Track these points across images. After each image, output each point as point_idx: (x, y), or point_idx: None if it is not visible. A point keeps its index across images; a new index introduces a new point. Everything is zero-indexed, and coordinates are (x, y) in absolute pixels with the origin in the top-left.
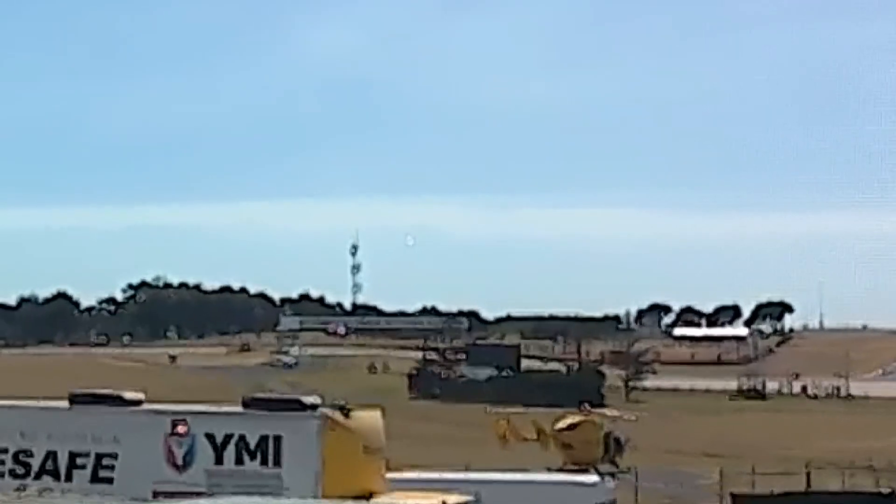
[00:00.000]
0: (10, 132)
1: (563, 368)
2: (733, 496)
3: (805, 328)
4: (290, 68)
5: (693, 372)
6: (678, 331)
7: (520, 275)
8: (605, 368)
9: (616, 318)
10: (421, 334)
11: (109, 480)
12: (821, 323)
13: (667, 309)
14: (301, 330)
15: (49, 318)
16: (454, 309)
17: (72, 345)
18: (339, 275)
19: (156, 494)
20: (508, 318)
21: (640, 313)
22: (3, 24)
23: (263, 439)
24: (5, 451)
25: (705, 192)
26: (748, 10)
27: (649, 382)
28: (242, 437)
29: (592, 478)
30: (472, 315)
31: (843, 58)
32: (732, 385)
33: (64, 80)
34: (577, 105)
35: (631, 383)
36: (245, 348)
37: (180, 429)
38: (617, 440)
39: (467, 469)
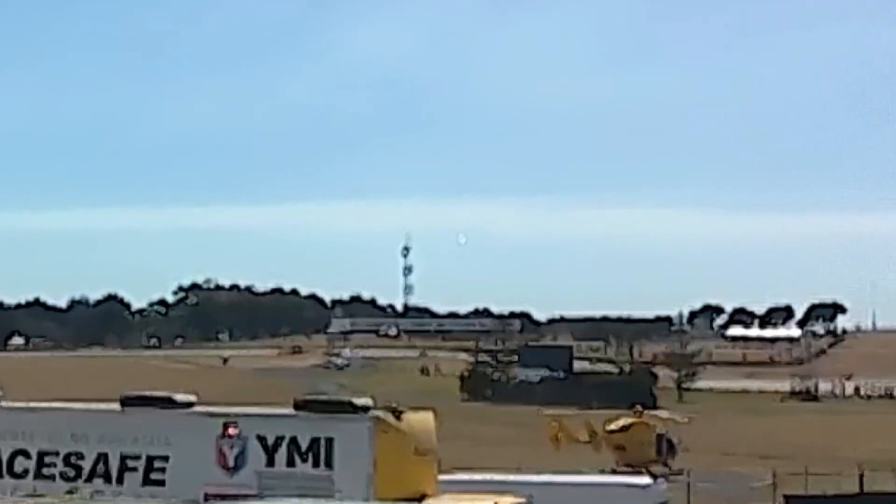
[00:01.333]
0: (62, 134)
1: (616, 370)
2: (786, 498)
3: (858, 329)
4: (341, 69)
5: (745, 373)
6: (731, 332)
7: (572, 276)
8: (657, 370)
9: (668, 319)
10: (473, 336)
11: (161, 483)
12: (873, 323)
13: (719, 310)
14: (352, 332)
15: (100, 321)
16: (506, 310)
17: (123, 347)
18: (390, 276)
19: (207, 497)
20: (561, 320)
21: (693, 314)
22: (57, 27)
23: (315, 441)
24: (56, 453)
25: (758, 192)
26: (798, 11)
27: (702, 383)
28: (294, 440)
29: (645, 479)
30: (525, 316)
31: (892, 57)
32: (785, 386)
33: (114, 81)
34: (628, 104)
35: (683, 384)
36: (296, 350)
37: (231, 431)
38: (669, 441)
39: (519, 471)
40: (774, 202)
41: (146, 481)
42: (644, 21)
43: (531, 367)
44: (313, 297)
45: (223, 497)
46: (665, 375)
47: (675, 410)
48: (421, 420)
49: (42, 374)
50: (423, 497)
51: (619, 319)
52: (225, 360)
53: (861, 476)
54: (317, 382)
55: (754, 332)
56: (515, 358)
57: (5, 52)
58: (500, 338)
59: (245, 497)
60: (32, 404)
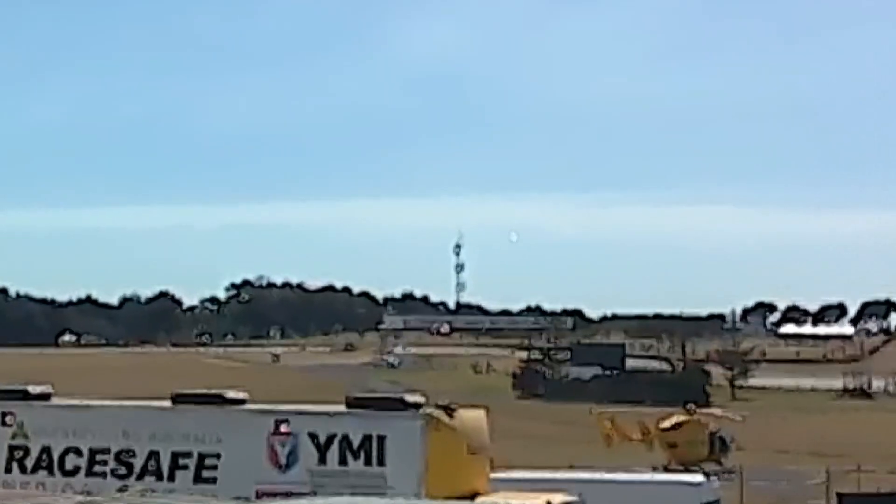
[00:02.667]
0: (116, 131)
1: (668, 367)
2: (839, 496)
3: None
4: (393, 66)
5: (798, 370)
6: (783, 329)
7: (624, 273)
8: (710, 367)
9: (721, 317)
10: (525, 333)
11: (212, 480)
12: None
13: (772, 307)
14: (404, 329)
15: (151, 318)
16: (558, 308)
17: (174, 345)
18: (442, 273)
19: (258, 494)
20: (613, 317)
21: (746, 312)
22: (108, 25)
23: (367, 439)
24: (107, 451)
25: (812, 189)
26: (847, 8)
27: (754, 381)
28: (346, 437)
29: (698, 477)
30: (577, 314)
31: None
32: (838, 384)
33: (165, 78)
34: (681, 101)
35: (736, 382)
36: (348, 347)
37: (283, 428)
38: (722, 439)
39: (571, 468)
40: (828, 199)
41: (197, 479)
42: (694, 17)
43: (583, 364)
44: (365, 294)
45: (275, 495)
46: (718, 373)
47: (727, 408)
48: (473, 418)
49: (93, 371)
50: (474, 495)
51: (672, 317)
52: (276, 358)
53: None
54: (368, 380)
55: (807, 329)
56: (568, 355)
57: (57, 50)
58: (553, 335)
59: (296, 495)
60: (84, 402)
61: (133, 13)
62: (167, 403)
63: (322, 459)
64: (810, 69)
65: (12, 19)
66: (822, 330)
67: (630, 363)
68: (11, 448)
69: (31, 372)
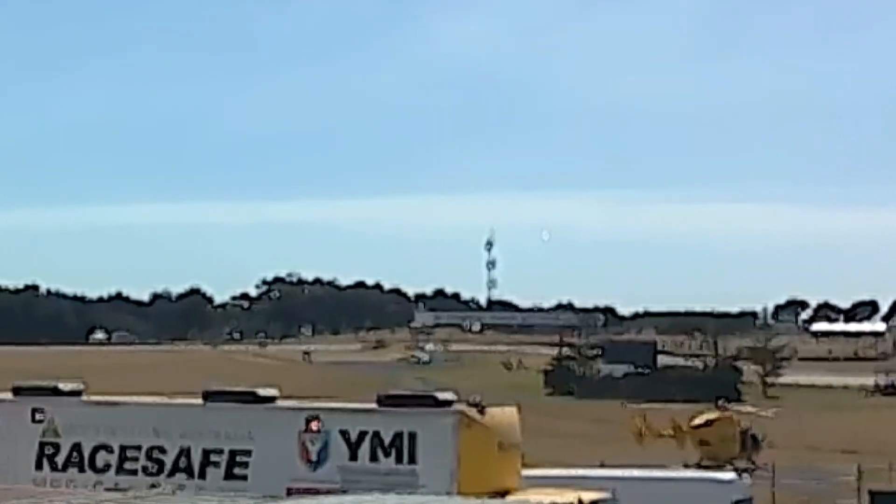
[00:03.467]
0: (147, 128)
1: (700, 364)
2: (871, 493)
3: None
4: (426, 64)
5: (830, 368)
6: (815, 326)
7: (656, 270)
8: (741, 364)
9: (753, 314)
10: (556, 330)
11: (243, 478)
12: None
13: (804, 304)
14: (436, 326)
15: (182, 315)
16: (590, 305)
17: (205, 342)
18: (473, 271)
19: (290, 492)
20: (644, 314)
21: (777, 309)
22: (144, 22)
23: (398, 436)
24: (138, 448)
25: (843, 187)
26: (882, 7)
27: (786, 378)
28: (377, 434)
29: (729, 474)
30: (608, 311)
31: None
32: (870, 381)
33: (198, 76)
34: (712, 100)
35: (768, 379)
36: (379, 344)
37: (314, 425)
38: (754, 436)
39: (603, 466)
40: (859, 197)
41: (228, 476)
42: (724, 17)
43: (615, 361)
44: (396, 291)
45: (306, 492)
46: (749, 370)
47: (759, 405)
48: (505, 415)
49: (124, 368)
50: (506, 492)
51: (704, 314)
52: (307, 355)
53: None
54: (400, 377)
55: (839, 326)
56: (599, 353)
57: (92, 48)
58: (584, 332)
59: (328, 492)
60: (114, 399)
61: (164, 12)
62: (198, 401)
63: (353, 457)
64: (840, 67)
65: (43, 18)
66: (853, 327)
67: (662, 360)
68: (42, 445)
69: (61, 369)
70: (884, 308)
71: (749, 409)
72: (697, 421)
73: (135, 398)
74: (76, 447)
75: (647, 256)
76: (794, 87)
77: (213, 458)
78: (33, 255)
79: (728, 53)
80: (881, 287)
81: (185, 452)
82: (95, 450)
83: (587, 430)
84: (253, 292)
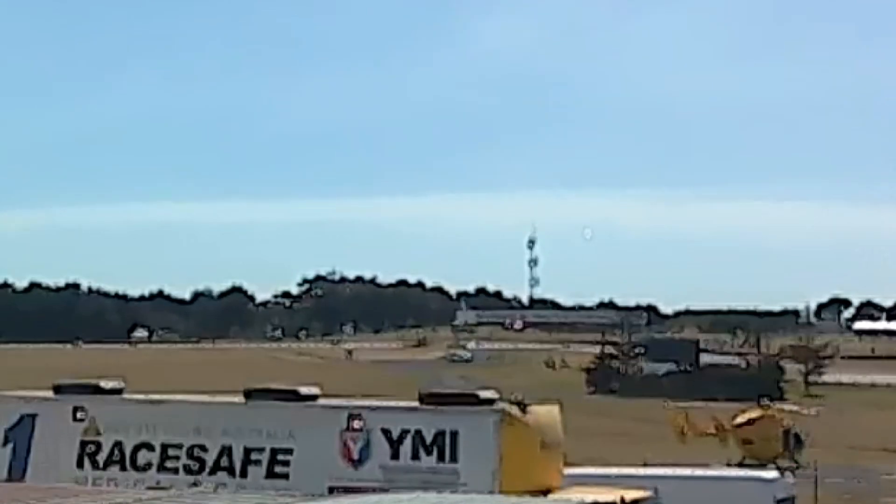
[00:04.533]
0: (186, 126)
1: (742, 363)
2: None
3: None
4: (467, 62)
5: (873, 366)
6: (858, 325)
7: (698, 268)
8: (784, 363)
9: (795, 312)
10: (599, 329)
11: (285, 476)
12: None
13: (846, 303)
14: (478, 324)
15: (224, 313)
16: (632, 303)
17: (247, 339)
18: (516, 269)
19: (331, 490)
20: (687, 313)
21: (820, 307)
22: (183, 21)
23: (440, 434)
24: (179, 446)
25: (886, 184)
26: None
27: (829, 377)
28: (419, 433)
29: (772, 473)
30: (651, 309)
31: None
32: None
33: (239, 74)
34: (754, 98)
35: (810, 378)
36: (421, 342)
37: (356, 424)
38: (796, 435)
39: (645, 464)
40: None
41: (270, 474)
42: (771, 15)
43: (657, 360)
44: (438, 289)
45: (347, 490)
46: (792, 369)
47: (802, 404)
48: (547, 413)
49: (165, 366)
50: (548, 491)
51: (746, 312)
52: (349, 353)
53: None
54: (441, 375)
55: (882, 325)
56: (641, 351)
57: (131, 47)
58: (627, 330)
59: (369, 490)
60: (156, 397)
61: (208, 9)
62: (239, 399)
63: (395, 455)
64: (883, 65)
65: (89, 15)
66: None
67: (704, 359)
68: (83, 443)
69: (102, 367)
70: None
71: (792, 407)
72: (740, 419)
73: (176, 396)
74: (117, 445)
75: (689, 254)
76: (838, 85)
77: (255, 456)
78: (75, 253)
79: (770, 51)
80: None
81: (226, 451)
82: (137, 448)
83: (629, 428)
84: (295, 290)
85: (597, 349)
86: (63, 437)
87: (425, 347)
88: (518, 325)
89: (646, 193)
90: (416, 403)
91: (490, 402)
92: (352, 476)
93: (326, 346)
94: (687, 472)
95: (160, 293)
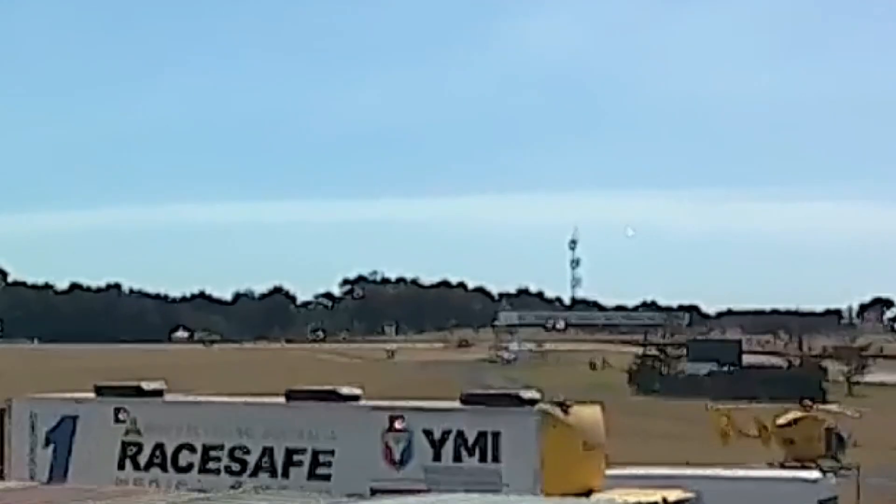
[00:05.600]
0: (228, 127)
1: (785, 363)
2: None
3: None
4: (510, 62)
5: None
6: None
7: (740, 269)
8: (826, 363)
9: (838, 313)
10: (641, 329)
11: (326, 477)
12: None
13: (889, 303)
14: (520, 325)
15: (265, 314)
16: (674, 304)
17: (288, 340)
18: (558, 269)
19: (373, 491)
20: (729, 313)
21: (863, 307)
22: (224, 21)
23: (482, 435)
24: (221, 447)
25: None
26: None
27: (872, 377)
28: (461, 433)
29: (814, 474)
30: (693, 310)
31: None
32: None
33: (281, 75)
34: (799, 97)
35: (853, 378)
36: (463, 343)
37: (398, 425)
38: (839, 436)
39: (687, 465)
40: None
41: (312, 475)
42: (810, 14)
43: (699, 360)
44: (481, 290)
45: (389, 491)
46: (834, 369)
47: (844, 404)
48: (589, 414)
49: (206, 367)
50: (590, 491)
51: (788, 313)
52: (391, 354)
53: None
54: (483, 376)
55: None
56: (684, 351)
57: (173, 46)
58: (669, 331)
59: (411, 491)
60: (197, 398)
61: (249, 9)
62: (281, 400)
63: (437, 456)
64: None
65: (133, 15)
66: None
67: (746, 359)
68: (125, 444)
69: (144, 368)
70: None
71: (834, 408)
72: (782, 420)
73: (217, 397)
74: (158, 447)
75: (731, 255)
76: (881, 85)
77: (297, 457)
78: (116, 254)
79: (814, 51)
80: None
81: (268, 452)
82: (178, 449)
83: (671, 429)
84: (336, 291)
85: (639, 350)
86: (104, 438)
87: (467, 348)
88: (560, 325)
89: (688, 193)
90: (458, 404)
91: (532, 402)
92: (393, 477)
93: (368, 347)
94: (729, 472)
95: (201, 294)
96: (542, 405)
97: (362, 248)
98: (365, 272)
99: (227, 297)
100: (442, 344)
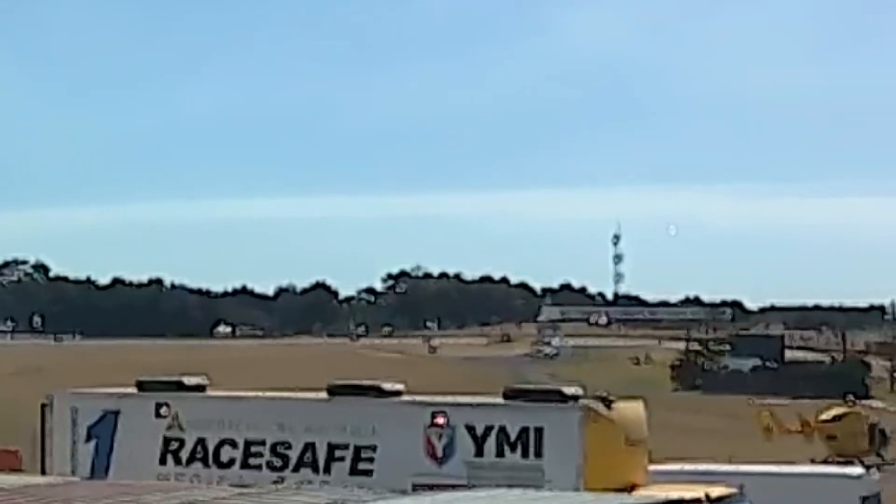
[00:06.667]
0: (270, 122)
1: (828, 359)
2: None
3: None
4: (551, 56)
5: None
6: None
7: (783, 264)
8: (870, 359)
9: (881, 308)
10: (684, 325)
11: (368, 473)
12: None
13: None
14: (562, 320)
15: (307, 309)
16: (717, 299)
17: (330, 336)
18: (600, 265)
19: (415, 487)
20: (772, 308)
21: None
22: (264, 16)
23: (524, 431)
24: (263, 443)
25: None
26: None
27: None
28: (503, 429)
29: (857, 470)
30: (736, 305)
31: None
32: None
33: (322, 69)
34: (841, 93)
35: None
36: (505, 339)
37: (440, 420)
38: (882, 432)
39: (730, 461)
40: None
41: (353, 471)
42: (854, 9)
43: (743, 356)
44: (523, 285)
45: (431, 487)
46: (878, 365)
47: (887, 400)
48: (631, 410)
49: (248, 362)
50: (633, 487)
51: (832, 308)
52: (433, 349)
53: None
54: (526, 371)
55: None
56: (726, 347)
57: (215, 42)
58: (711, 326)
59: (453, 487)
60: (239, 393)
61: (290, 4)
62: (323, 395)
63: (479, 451)
64: None
65: (173, 11)
66: None
67: (789, 355)
68: (167, 440)
69: (186, 363)
70: None
71: (877, 404)
72: (825, 416)
73: (259, 393)
74: (200, 442)
75: (774, 250)
76: None
77: (339, 453)
78: (158, 248)
79: (857, 45)
80: None
81: (309, 447)
82: (220, 445)
83: (714, 425)
84: (378, 286)
85: (682, 345)
86: (146, 433)
87: (509, 343)
88: (603, 321)
89: (731, 189)
90: (500, 400)
91: (575, 398)
92: (436, 472)
93: (410, 343)
94: (772, 468)
95: (243, 289)
96: (584, 401)
97: (405, 243)
98: (407, 267)
99: (269, 291)
100: (484, 339)
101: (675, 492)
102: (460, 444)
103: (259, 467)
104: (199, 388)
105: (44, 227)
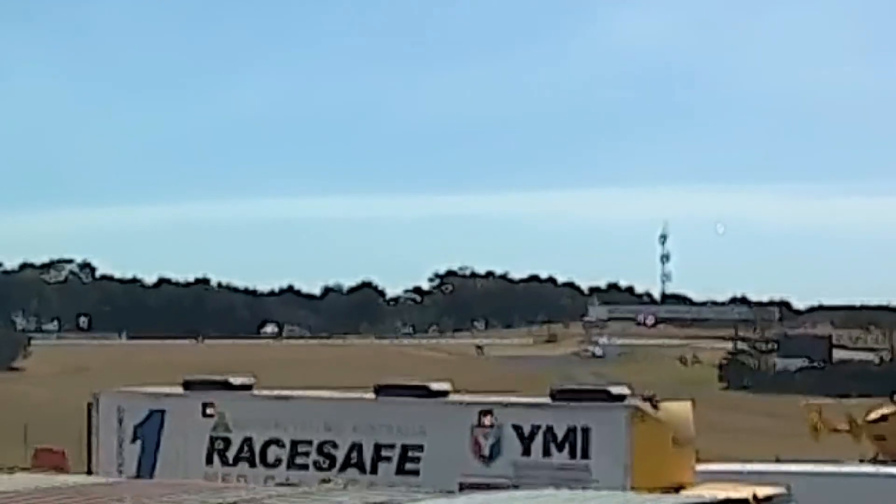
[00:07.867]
0: (316, 121)
1: (876, 359)
2: None
3: None
4: (597, 55)
5: None
6: None
7: (831, 263)
8: None
9: None
10: (731, 324)
11: (415, 472)
12: None
13: None
14: (609, 320)
15: (354, 309)
16: (765, 298)
17: (377, 336)
18: (647, 264)
19: (462, 486)
20: (820, 308)
21: None
22: (313, 15)
23: (571, 431)
24: (309, 442)
25: None
26: None
27: None
28: (550, 429)
29: None
30: (783, 305)
31: None
32: None
33: (369, 68)
34: (886, 92)
35: None
36: (552, 338)
37: (487, 420)
38: None
39: (778, 461)
40: None
41: (400, 471)
42: None
43: (790, 356)
44: (570, 284)
45: (478, 487)
46: None
47: None
48: (679, 409)
49: (295, 362)
50: (680, 487)
51: (880, 308)
52: (480, 349)
53: None
54: (573, 371)
55: None
56: (774, 347)
57: (259, 42)
58: (759, 326)
59: (500, 487)
60: (286, 393)
61: (337, 3)
62: (370, 395)
63: (526, 451)
64: None
65: (217, 10)
66: None
67: (837, 354)
68: (213, 439)
69: (232, 363)
70: None
71: None
72: (873, 416)
73: (306, 392)
74: (247, 442)
75: (822, 249)
76: None
77: (385, 452)
78: (204, 248)
79: None
80: None
81: (356, 447)
82: (266, 444)
83: (762, 424)
84: (425, 286)
85: (729, 345)
86: (192, 433)
87: (556, 343)
88: (650, 320)
89: (778, 188)
90: (547, 399)
91: (622, 398)
92: (483, 472)
93: (457, 342)
94: (819, 468)
95: (290, 288)
96: (631, 400)
97: (452, 243)
98: (454, 267)
99: (316, 291)
100: (531, 339)
101: (723, 492)
102: (507, 444)
103: (305, 467)
104: (246, 387)
105: (90, 226)
